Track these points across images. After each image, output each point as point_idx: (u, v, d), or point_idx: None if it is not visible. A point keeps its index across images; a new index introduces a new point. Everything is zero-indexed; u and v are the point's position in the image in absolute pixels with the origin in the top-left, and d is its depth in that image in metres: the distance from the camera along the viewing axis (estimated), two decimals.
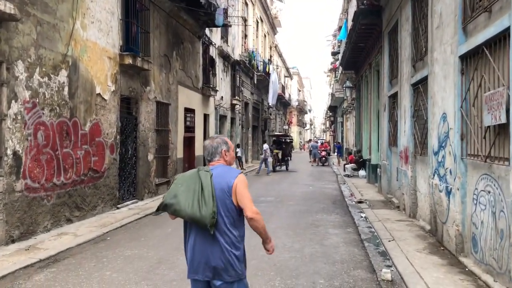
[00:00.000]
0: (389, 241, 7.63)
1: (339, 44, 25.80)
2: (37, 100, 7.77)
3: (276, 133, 36.56)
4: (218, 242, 3.14)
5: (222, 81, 21.88)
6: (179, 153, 15.23)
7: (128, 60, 10.86)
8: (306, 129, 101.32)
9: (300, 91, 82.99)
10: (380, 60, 14.65)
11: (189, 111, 16.44)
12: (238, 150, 24.58)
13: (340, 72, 29.69)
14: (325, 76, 66.73)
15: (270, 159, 23.52)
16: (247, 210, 3.16)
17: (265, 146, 23.89)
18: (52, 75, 8.18)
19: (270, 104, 35.84)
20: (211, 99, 19.45)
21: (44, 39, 7.95)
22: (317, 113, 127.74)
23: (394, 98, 12.22)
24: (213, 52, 19.64)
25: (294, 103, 69.62)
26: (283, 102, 52.95)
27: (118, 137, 10.79)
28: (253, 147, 32.76)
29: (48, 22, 8.05)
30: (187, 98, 16.11)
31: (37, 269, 6.12)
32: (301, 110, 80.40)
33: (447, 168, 6.98)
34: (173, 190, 3.19)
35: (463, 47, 6.25)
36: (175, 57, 14.85)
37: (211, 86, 18.72)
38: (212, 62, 18.90)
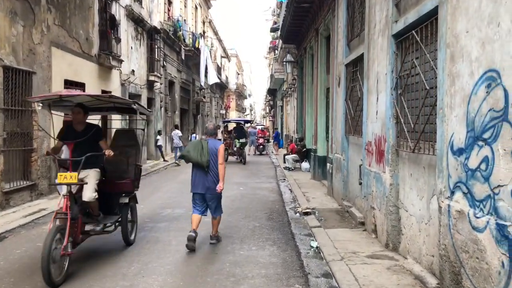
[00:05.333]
0: None
1: (279, 12, 22.02)
2: None
3: (232, 119, 35.72)
4: (209, 174, 6.32)
5: (134, 51, 17.40)
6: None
7: None
8: (246, 115, 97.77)
9: (239, 74, 79.02)
10: (331, 20, 10.96)
11: (74, 85, 11.95)
12: (158, 137, 20.38)
13: (279, 47, 26.02)
14: (265, 59, 63.12)
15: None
16: (220, 162, 6.37)
17: (175, 132, 21.15)
18: None
19: (202, 85, 31.51)
20: (115, 72, 14.99)
21: None
22: (258, 99, 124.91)
23: (355, 65, 8.54)
24: (117, 11, 15.11)
25: (232, 86, 65.59)
26: (219, 85, 48.69)
27: None
28: (182, 134, 28.38)
29: None
30: (71, 67, 11.61)
31: None
32: (240, 94, 76.52)
33: (502, 186, 3.30)
34: (187, 148, 6.52)
35: None
36: (46, 6, 10.30)
37: (113, 54, 14.25)
38: (113, 23, 14.38)
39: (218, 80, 32.00)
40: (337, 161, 9.94)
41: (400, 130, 5.82)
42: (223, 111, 53.89)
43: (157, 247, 6.18)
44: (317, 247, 6.38)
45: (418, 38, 5.10)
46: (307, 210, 8.87)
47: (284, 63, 19.65)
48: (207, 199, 6.41)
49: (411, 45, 5.43)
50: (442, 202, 4.29)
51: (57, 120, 10.81)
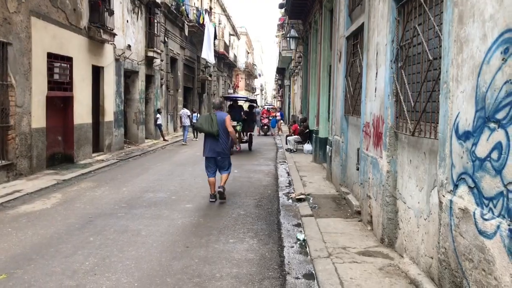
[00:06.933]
0: None
1: None
2: None
3: (232, 95, 28.19)
4: (219, 141, 7.62)
5: (130, 25, 16.58)
6: (37, 121, 10.12)
7: None
8: (256, 95, 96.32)
9: (249, 53, 77.70)
10: None
11: (59, 58, 11.23)
12: (158, 116, 19.71)
13: (287, 23, 24.98)
14: (276, 38, 61.60)
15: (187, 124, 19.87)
16: (229, 129, 7.69)
17: (182, 111, 20.46)
18: None
19: (210, 61, 30.41)
20: (108, 46, 14.22)
21: None
22: (269, 79, 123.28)
23: (356, 37, 7.69)
24: None
25: (241, 65, 64.38)
26: (227, 63, 47.70)
27: None
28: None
29: None
30: (55, 39, 10.87)
31: None
32: (250, 73, 75.18)
33: None
34: (200, 121, 7.81)
35: None
36: None
37: (105, 26, 13.47)
38: None
39: (213, 61, 30.52)
40: (336, 143, 9.18)
41: (400, 109, 5.03)
42: (231, 90, 52.90)
43: (123, 238, 5.52)
44: (304, 240, 5.68)
45: (422, 0, 4.26)
46: (301, 196, 8.15)
47: (288, 39, 18.70)
48: (218, 161, 7.76)
49: (414, 9, 4.59)
50: (443, 196, 3.54)
51: (40, 95, 10.19)
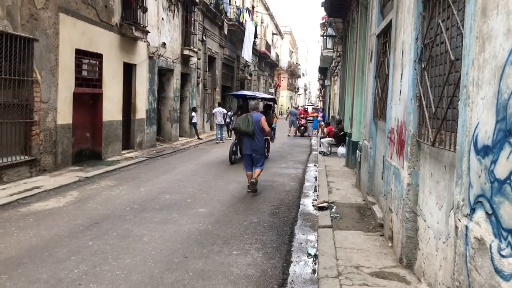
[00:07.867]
0: None
1: None
2: None
3: (241, 92, 18.60)
4: (254, 140, 8.43)
5: (165, 23, 16.52)
6: (63, 117, 10.13)
7: None
8: (299, 94, 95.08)
9: (292, 52, 76.90)
10: None
11: (88, 55, 11.23)
12: (194, 114, 19.61)
13: (326, 22, 24.28)
14: (320, 38, 60.59)
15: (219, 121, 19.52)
16: (266, 130, 8.52)
17: (217, 109, 19.73)
18: None
19: (246, 59, 30.13)
20: (141, 43, 14.18)
21: None
22: (313, 78, 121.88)
23: (385, 35, 7.11)
24: None
25: (284, 64, 63.79)
26: (268, 62, 47.32)
27: None
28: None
29: None
30: (84, 35, 10.86)
31: None
32: (293, 73, 74.41)
33: None
34: (237, 122, 8.83)
35: None
36: None
37: (138, 24, 13.42)
38: None
39: (250, 60, 30.17)
40: (365, 148, 8.60)
41: (423, 115, 4.47)
42: (272, 90, 52.47)
43: (122, 244, 5.26)
44: (315, 256, 5.22)
45: None
46: (323, 205, 7.66)
47: (325, 37, 18.09)
48: (254, 157, 8.58)
49: (438, 3, 4.03)
50: (459, 220, 3.01)
51: (67, 91, 10.20)
